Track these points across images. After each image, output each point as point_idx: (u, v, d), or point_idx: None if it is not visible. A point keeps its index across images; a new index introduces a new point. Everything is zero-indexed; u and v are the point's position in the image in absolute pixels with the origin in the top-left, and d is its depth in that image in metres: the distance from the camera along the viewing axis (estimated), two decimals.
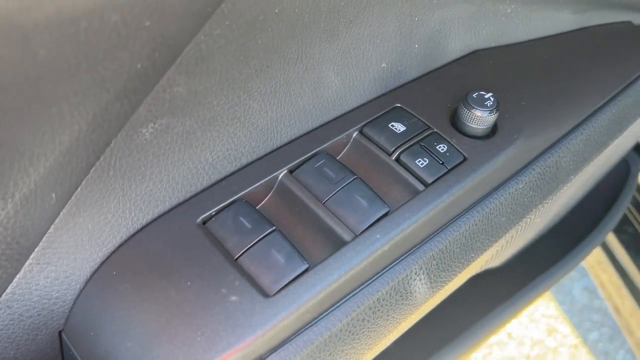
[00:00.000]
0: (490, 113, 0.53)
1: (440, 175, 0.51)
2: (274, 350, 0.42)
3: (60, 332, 0.45)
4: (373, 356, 0.56)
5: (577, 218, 0.94)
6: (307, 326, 0.44)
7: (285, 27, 0.45)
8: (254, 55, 0.44)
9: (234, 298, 0.42)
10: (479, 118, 0.53)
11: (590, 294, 1.70)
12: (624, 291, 1.34)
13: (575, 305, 1.69)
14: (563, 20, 0.68)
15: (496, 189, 0.54)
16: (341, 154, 0.53)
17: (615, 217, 0.95)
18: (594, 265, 1.44)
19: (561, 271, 0.88)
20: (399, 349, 0.81)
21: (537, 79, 0.62)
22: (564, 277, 0.91)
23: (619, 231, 1.33)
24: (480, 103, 0.53)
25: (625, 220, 1.32)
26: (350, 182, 0.49)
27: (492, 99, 0.54)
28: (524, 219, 0.58)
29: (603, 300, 1.47)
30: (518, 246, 0.80)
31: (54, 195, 0.38)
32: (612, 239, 1.34)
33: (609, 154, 0.77)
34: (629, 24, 0.73)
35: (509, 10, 0.62)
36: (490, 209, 0.54)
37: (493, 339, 1.62)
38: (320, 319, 0.45)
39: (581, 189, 0.82)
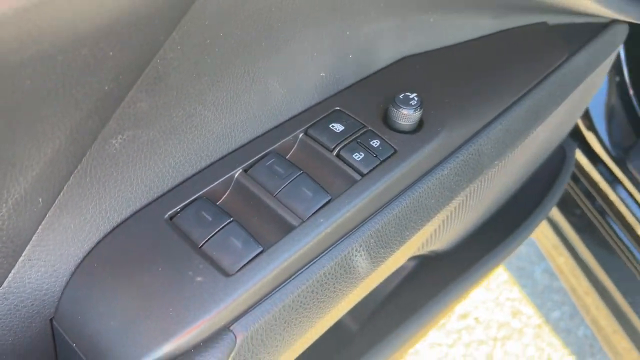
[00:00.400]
0: (414, 111, 0.61)
1: (374, 166, 0.59)
2: (236, 319, 0.50)
3: (51, 320, 0.52)
4: (327, 326, 0.63)
5: (519, 202, 1.03)
6: (264, 299, 0.52)
7: (231, 47, 0.53)
8: (205, 73, 0.52)
9: (199, 279, 0.50)
10: (406, 115, 0.61)
11: (551, 276, 1.79)
12: (578, 272, 1.43)
13: (537, 287, 1.78)
14: (484, 25, 0.77)
15: (424, 175, 0.63)
16: (289, 153, 0.61)
17: (552, 200, 1.04)
18: (551, 249, 1.54)
19: (504, 251, 0.97)
20: (356, 330, 0.89)
21: (460, 78, 0.71)
22: (507, 257, 1.00)
23: (568, 214, 1.43)
24: (406, 103, 0.62)
25: (573, 203, 1.42)
26: (297, 176, 0.57)
27: (416, 99, 0.62)
28: (453, 201, 0.67)
29: (562, 281, 1.56)
30: (462, 228, 0.88)
31: (40, 199, 0.45)
32: (564, 223, 1.44)
33: (538, 142, 0.86)
34: (544, 24, 0.82)
35: (432, 20, 0.70)
36: (420, 193, 0.62)
37: (460, 324, 1.71)
38: (275, 292, 0.52)
39: (518, 174, 0.91)
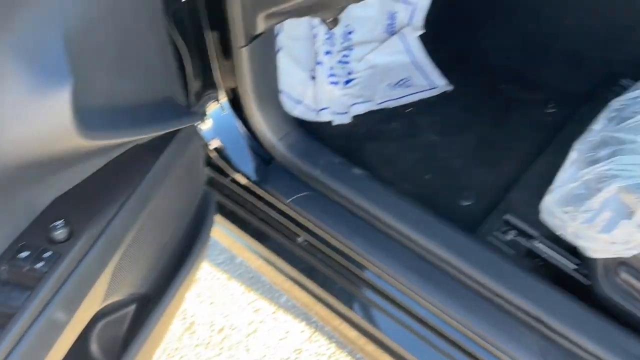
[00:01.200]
0: (63, 229, 1.13)
1: (50, 266, 1.10)
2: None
3: None
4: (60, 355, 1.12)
5: (186, 241, 1.61)
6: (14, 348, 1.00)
7: None
8: None
9: None
10: (59, 233, 1.13)
11: None
12: (269, 268, 2.03)
13: (265, 286, 2.41)
14: (98, 162, 1.31)
15: (80, 260, 1.15)
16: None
17: (207, 231, 1.64)
18: (255, 261, 2.11)
19: (186, 274, 1.53)
20: None
21: (93, 195, 1.24)
22: (192, 277, 1.57)
23: (247, 229, 2.04)
24: (57, 227, 1.14)
25: (247, 222, 2.04)
26: (9, 288, 1.06)
27: (63, 222, 1.14)
28: (107, 267, 1.21)
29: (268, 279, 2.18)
30: (145, 274, 1.42)
31: None
32: (248, 238, 2.04)
33: (165, 208, 1.43)
34: (137, 145, 1.40)
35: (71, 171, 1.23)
36: (82, 270, 1.14)
37: (221, 335, 2.26)
38: (14, 350, 1.01)
39: (165, 229, 1.48)
